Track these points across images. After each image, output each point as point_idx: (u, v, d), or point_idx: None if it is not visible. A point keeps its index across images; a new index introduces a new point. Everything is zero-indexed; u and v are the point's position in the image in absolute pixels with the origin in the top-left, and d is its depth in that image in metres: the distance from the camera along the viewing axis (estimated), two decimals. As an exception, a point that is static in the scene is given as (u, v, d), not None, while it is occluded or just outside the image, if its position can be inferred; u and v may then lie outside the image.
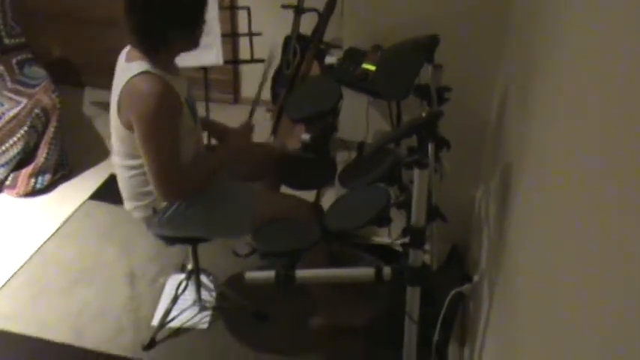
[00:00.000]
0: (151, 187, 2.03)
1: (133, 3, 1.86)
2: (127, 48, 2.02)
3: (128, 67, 1.92)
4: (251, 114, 2.47)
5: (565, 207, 1.15)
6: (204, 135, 2.51)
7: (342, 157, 2.55)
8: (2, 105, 3.22)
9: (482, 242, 2.30)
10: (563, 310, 1.04)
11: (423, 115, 1.64)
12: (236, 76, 4.16)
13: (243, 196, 2.18)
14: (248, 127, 2.27)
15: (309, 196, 3.03)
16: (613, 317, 0.79)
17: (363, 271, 1.82)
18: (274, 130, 3.50)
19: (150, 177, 1.96)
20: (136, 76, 1.88)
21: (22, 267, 2.79)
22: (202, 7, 1.93)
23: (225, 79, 4.12)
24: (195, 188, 2.06)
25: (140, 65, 1.90)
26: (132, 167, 2.03)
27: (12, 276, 2.73)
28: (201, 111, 3.35)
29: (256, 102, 2.43)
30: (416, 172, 1.62)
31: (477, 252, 2.42)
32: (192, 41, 1.98)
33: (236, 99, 4.24)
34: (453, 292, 2.11)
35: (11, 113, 3.17)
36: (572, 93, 1.22)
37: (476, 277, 2.26)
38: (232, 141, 2.23)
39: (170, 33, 1.89)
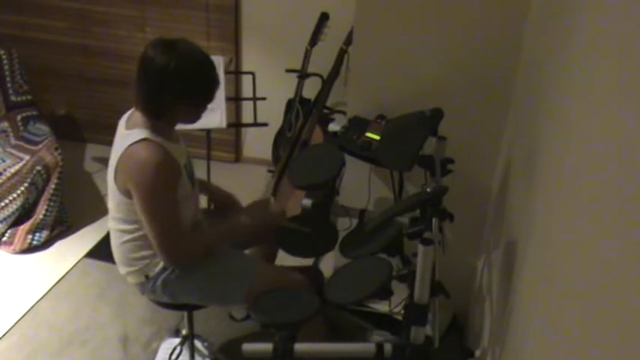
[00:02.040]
0: (143, 253, 2.02)
1: (147, 73, 1.88)
2: (128, 114, 2.04)
3: (127, 134, 1.93)
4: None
5: (573, 287, 1.13)
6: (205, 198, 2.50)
7: (343, 224, 2.53)
8: (4, 161, 3.22)
9: (484, 314, 2.26)
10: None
11: (428, 190, 1.64)
12: (238, 136, 4.19)
13: (239, 265, 2.15)
14: (265, 207, 2.28)
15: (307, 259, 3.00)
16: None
17: (364, 347, 1.78)
18: (274, 192, 3.51)
19: (152, 242, 1.95)
20: (135, 143, 1.88)
21: (14, 326, 2.73)
22: (213, 89, 1.96)
23: (228, 139, 4.14)
24: (197, 254, 2.04)
25: (140, 133, 1.91)
26: (125, 232, 2.02)
27: (3, 336, 2.67)
28: (202, 169, 3.37)
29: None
30: (420, 248, 1.61)
31: (478, 324, 2.38)
32: (195, 116, 2.01)
33: (237, 158, 4.26)
34: (454, 367, 2.07)
35: (13, 170, 3.17)
36: (575, 169, 1.23)
37: (478, 352, 2.22)
38: (246, 218, 2.23)
39: (177, 107, 1.92)
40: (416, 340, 1.73)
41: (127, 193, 1.92)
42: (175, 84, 1.87)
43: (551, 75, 1.64)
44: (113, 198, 1.99)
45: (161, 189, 1.88)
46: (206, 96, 1.95)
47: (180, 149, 2.03)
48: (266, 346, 1.77)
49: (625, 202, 0.88)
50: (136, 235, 2.00)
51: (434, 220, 1.67)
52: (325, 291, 1.89)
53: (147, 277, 2.06)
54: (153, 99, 1.89)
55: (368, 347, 1.76)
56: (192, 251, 2.02)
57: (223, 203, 2.37)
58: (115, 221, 2.04)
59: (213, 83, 1.95)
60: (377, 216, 1.75)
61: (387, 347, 1.75)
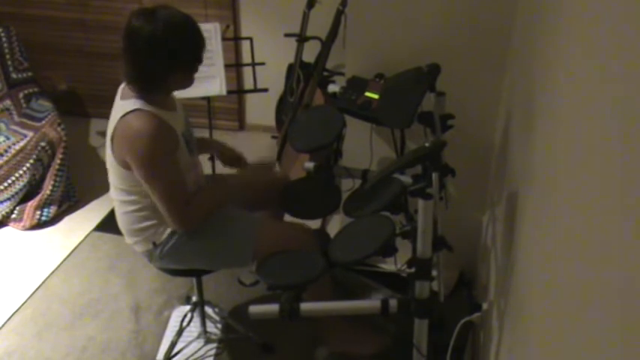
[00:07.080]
0: (147, 223, 2.03)
1: (135, 45, 1.86)
2: (123, 85, 2.03)
3: (122, 104, 1.93)
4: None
5: (572, 230, 1.12)
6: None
7: (347, 185, 2.53)
8: (9, 139, 3.23)
9: (490, 268, 2.27)
10: (577, 340, 1.01)
11: (427, 145, 1.63)
12: (241, 104, 4.18)
13: (245, 226, 2.16)
14: (270, 167, 2.28)
15: (314, 222, 3.01)
16: (631, 341, 0.76)
17: (369, 304, 1.79)
18: (279, 157, 3.50)
19: (162, 212, 1.97)
20: (128, 113, 1.88)
21: (26, 301, 2.77)
22: (202, 49, 1.94)
23: (231, 107, 4.13)
24: (205, 215, 2.05)
25: (133, 103, 1.90)
26: (128, 203, 2.03)
27: (16, 311, 2.71)
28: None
29: None
30: (420, 203, 1.60)
31: (485, 278, 2.39)
32: (189, 81, 1.99)
33: (241, 126, 4.25)
34: (462, 322, 2.08)
35: (17, 147, 3.18)
36: (572, 118, 1.21)
37: (485, 306, 2.22)
38: (250, 173, 2.22)
39: (170, 75, 1.91)
40: (421, 295, 1.74)
41: (124, 165, 1.92)
42: (165, 50, 1.85)
43: (545, 24, 1.61)
44: (112, 169, 2.00)
45: (158, 157, 1.88)
46: (196, 57, 1.93)
47: (177, 117, 2.02)
48: (272, 307, 1.78)
49: (622, 147, 0.86)
50: (137, 206, 2.01)
51: (434, 175, 1.66)
52: (329, 250, 1.90)
53: (154, 244, 2.07)
54: (145, 71, 1.88)
55: (373, 304, 1.77)
56: (201, 214, 2.03)
57: (230, 157, 2.36)
58: (116, 192, 2.05)
59: (201, 43, 1.93)
60: (376, 173, 1.74)
61: (393, 303, 1.76)
